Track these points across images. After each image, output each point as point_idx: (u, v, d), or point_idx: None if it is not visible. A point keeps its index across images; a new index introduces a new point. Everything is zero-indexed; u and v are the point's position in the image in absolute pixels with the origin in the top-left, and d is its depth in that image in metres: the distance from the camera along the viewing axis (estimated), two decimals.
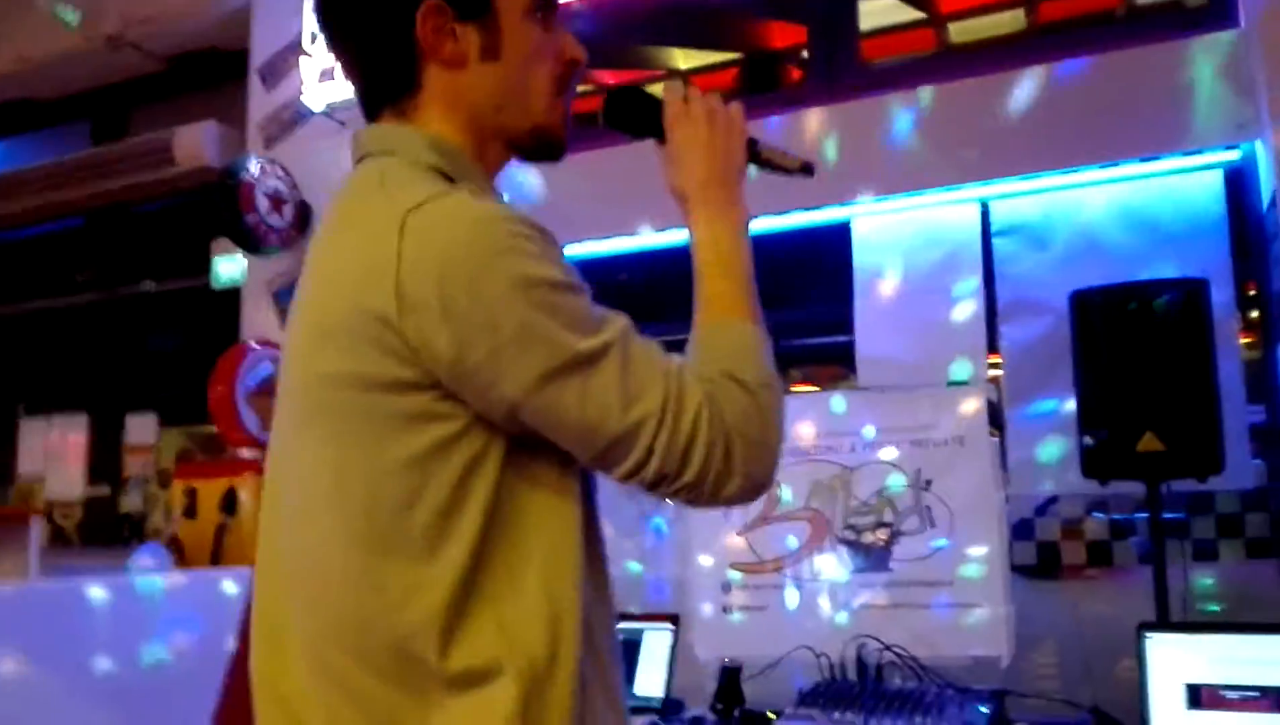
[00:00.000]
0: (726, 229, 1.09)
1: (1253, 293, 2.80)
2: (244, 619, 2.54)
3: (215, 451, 3.78)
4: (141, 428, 4.41)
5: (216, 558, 2.76)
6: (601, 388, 0.92)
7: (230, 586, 2.63)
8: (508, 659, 0.91)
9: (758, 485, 0.99)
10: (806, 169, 1.19)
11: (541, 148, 1.12)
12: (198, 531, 2.81)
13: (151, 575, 2.49)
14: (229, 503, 2.81)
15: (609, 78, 4.23)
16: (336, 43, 1.11)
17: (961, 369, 2.96)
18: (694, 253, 1.10)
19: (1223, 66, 2.71)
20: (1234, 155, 2.79)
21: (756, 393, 0.98)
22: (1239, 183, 2.82)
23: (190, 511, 2.85)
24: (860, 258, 3.14)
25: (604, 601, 1.03)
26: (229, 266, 4.00)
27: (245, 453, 2.99)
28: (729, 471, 0.95)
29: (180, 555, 2.75)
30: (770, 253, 3.08)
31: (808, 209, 3.11)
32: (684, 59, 4.13)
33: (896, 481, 2.70)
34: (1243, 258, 2.77)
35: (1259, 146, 2.68)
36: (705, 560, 2.80)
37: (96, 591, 2.31)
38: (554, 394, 0.91)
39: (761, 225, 3.00)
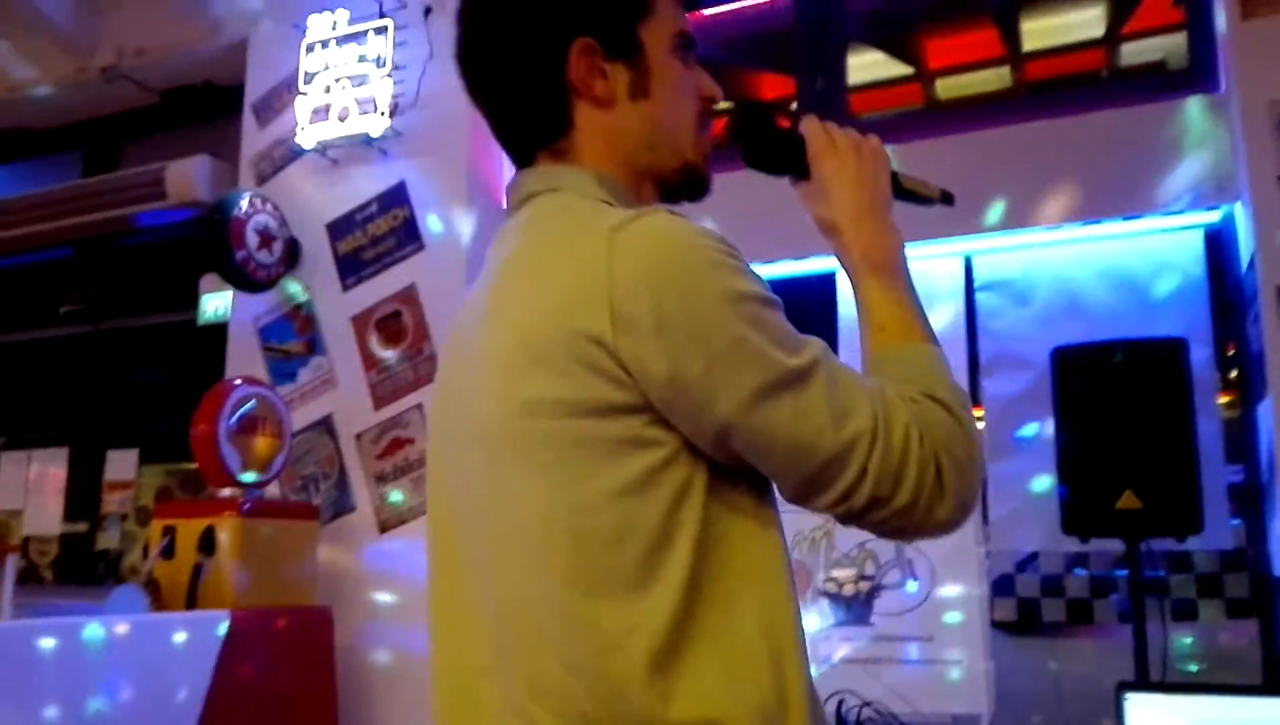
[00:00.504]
0: (887, 254, 1.07)
1: (1232, 353, 2.83)
2: (219, 665, 2.53)
3: (196, 490, 3.75)
4: (122, 463, 4.37)
5: (192, 600, 2.73)
6: (813, 406, 0.89)
7: (207, 629, 2.61)
8: (738, 706, 0.87)
9: (967, 508, 0.94)
10: (947, 198, 1.20)
11: (689, 186, 1.11)
12: (175, 572, 2.78)
13: (127, 617, 2.46)
14: (207, 543, 2.78)
15: None
16: (485, 88, 1.08)
17: None
18: (852, 280, 1.08)
19: (1203, 129, 2.76)
20: (1214, 216, 2.84)
21: (957, 411, 0.95)
22: (1218, 244, 2.86)
23: (168, 551, 2.82)
24: (846, 309, 3.17)
25: (804, 637, 0.99)
26: (215, 302, 4.00)
27: (226, 492, 2.96)
28: (941, 493, 0.91)
29: (156, 596, 2.72)
30: None
31: (796, 258, 3.14)
32: None
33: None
34: (1222, 318, 2.81)
35: (1238, 208, 2.73)
36: None
37: (71, 631, 2.28)
38: (768, 412, 0.88)
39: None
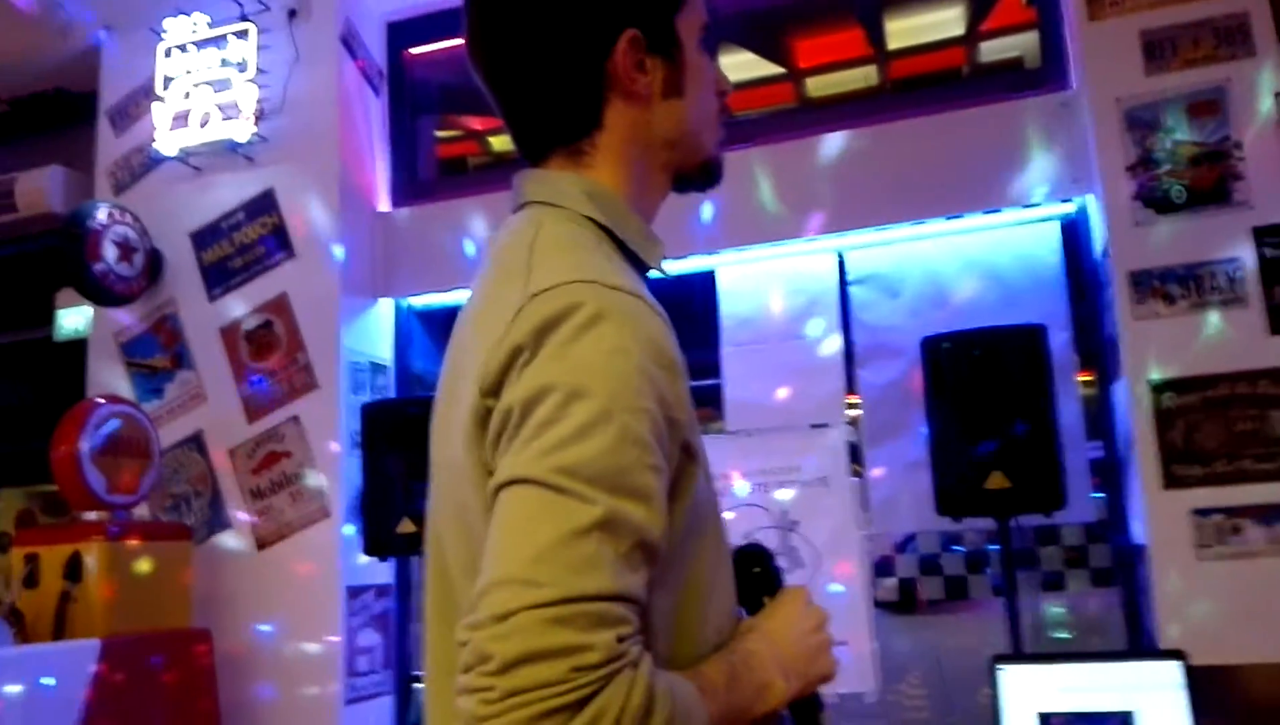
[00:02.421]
0: (760, 691, 0.94)
1: (1089, 335, 2.97)
2: (91, 697, 2.41)
3: (59, 512, 3.58)
4: None
5: (60, 629, 2.60)
6: (552, 534, 0.75)
7: (77, 660, 2.48)
8: None
9: None
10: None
11: (705, 179, 1.10)
12: (39, 601, 2.64)
13: None
14: (73, 569, 2.65)
15: (477, 124, 4.24)
16: (509, 73, 1.00)
17: (823, 412, 3.04)
18: (732, 655, 0.94)
19: (1057, 125, 2.90)
20: (1069, 208, 2.98)
21: None
22: (1074, 234, 3.01)
23: (30, 580, 2.67)
24: (726, 306, 3.22)
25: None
26: (74, 318, 3.82)
27: (91, 515, 2.83)
28: None
29: (20, 628, 2.58)
30: None
31: (677, 258, 3.17)
32: None
33: (765, 523, 2.75)
34: (1079, 304, 2.95)
35: (1091, 200, 2.87)
36: None
37: None
38: (516, 501, 0.78)
39: None
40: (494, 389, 0.85)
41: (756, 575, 1.07)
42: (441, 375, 1.02)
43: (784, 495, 2.76)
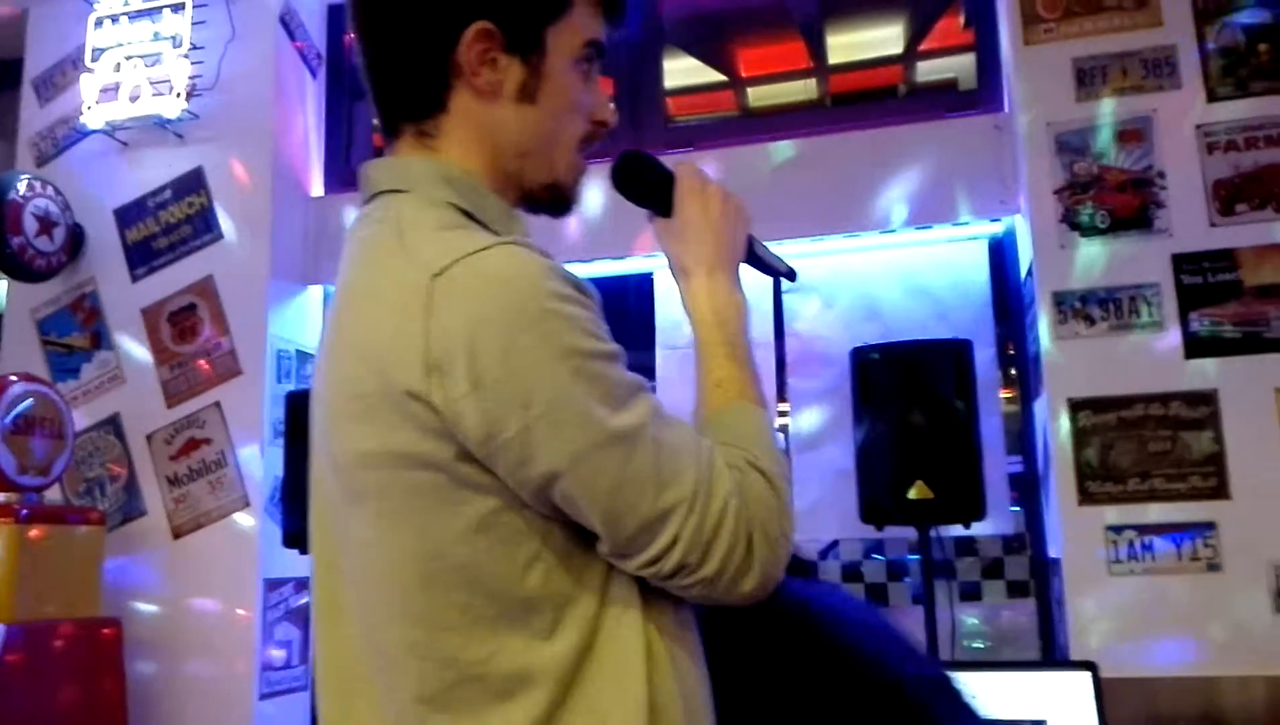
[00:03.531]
0: (734, 311, 1.06)
1: (1012, 352, 3.04)
2: None
3: None
4: None
5: None
6: (635, 471, 0.86)
7: None
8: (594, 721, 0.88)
9: (771, 582, 0.92)
10: (790, 274, 1.21)
11: (553, 203, 1.06)
12: None
13: None
14: None
15: None
16: (367, 46, 1.03)
17: None
18: (696, 330, 1.06)
19: (990, 146, 2.96)
20: (997, 228, 3.05)
21: (777, 484, 0.94)
22: (1001, 253, 3.08)
23: None
24: (662, 309, 3.23)
25: (705, 683, 0.97)
26: None
27: (0, 497, 2.73)
28: (748, 567, 0.90)
29: None
30: None
31: (615, 258, 3.17)
32: None
33: None
34: (1004, 321, 3.02)
35: (1018, 220, 2.94)
36: None
37: None
38: (587, 474, 0.86)
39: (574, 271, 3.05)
40: (422, 377, 0.85)
41: (654, 182, 1.11)
42: (319, 377, 1.01)
43: None
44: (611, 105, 1.09)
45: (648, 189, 1.11)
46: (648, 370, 3.21)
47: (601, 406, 0.86)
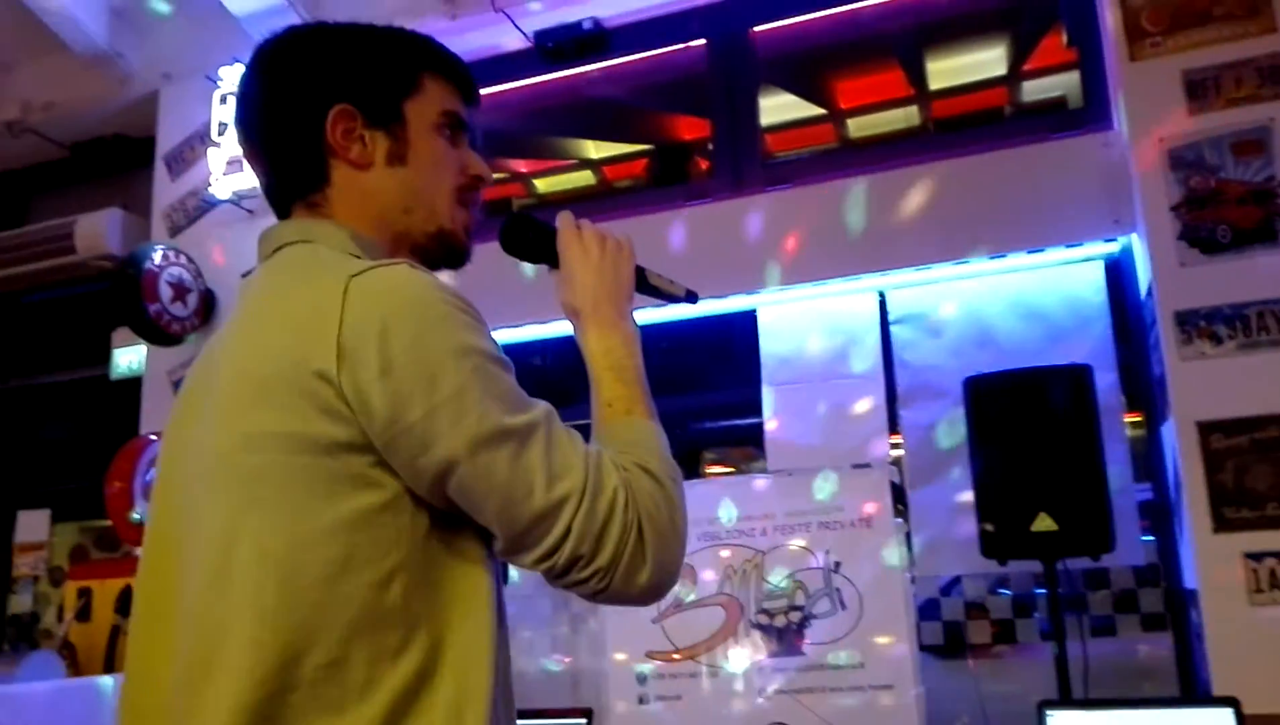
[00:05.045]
0: (618, 340, 1.13)
1: (1135, 376, 2.94)
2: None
3: (112, 548, 3.64)
4: (33, 524, 4.21)
5: (111, 663, 2.65)
6: (529, 465, 0.93)
7: None
8: None
9: (667, 576, 0.98)
10: (690, 296, 1.28)
11: (445, 253, 1.15)
12: (92, 635, 2.69)
13: (42, 684, 2.38)
14: (126, 604, 2.70)
15: (522, 166, 4.30)
16: (249, 140, 1.15)
17: (866, 452, 3.03)
18: (588, 364, 1.13)
19: (1101, 164, 2.89)
20: (1113, 247, 2.96)
21: (665, 484, 1.00)
22: (1118, 273, 2.99)
23: (84, 613, 2.73)
24: (767, 344, 3.23)
25: (509, 689, 1.02)
26: (129, 356, 3.91)
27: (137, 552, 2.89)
28: (641, 558, 0.95)
29: (73, 661, 2.63)
30: (684, 339, 3.17)
31: (718, 297, 3.19)
32: (595, 149, 4.23)
33: (808, 564, 2.74)
34: (1125, 344, 2.93)
35: (1135, 239, 2.85)
36: (620, 652, 2.78)
37: None
38: (484, 463, 0.92)
39: (675, 312, 3.10)
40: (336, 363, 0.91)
41: (534, 239, 1.18)
42: (201, 372, 1.07)
43: (826, 535, 2.75)
44: (484, 164, 1.18)
45: (530, 247, 1.19)
46: (754, 407, 3.20)
47: (499, 404, 0.94)
